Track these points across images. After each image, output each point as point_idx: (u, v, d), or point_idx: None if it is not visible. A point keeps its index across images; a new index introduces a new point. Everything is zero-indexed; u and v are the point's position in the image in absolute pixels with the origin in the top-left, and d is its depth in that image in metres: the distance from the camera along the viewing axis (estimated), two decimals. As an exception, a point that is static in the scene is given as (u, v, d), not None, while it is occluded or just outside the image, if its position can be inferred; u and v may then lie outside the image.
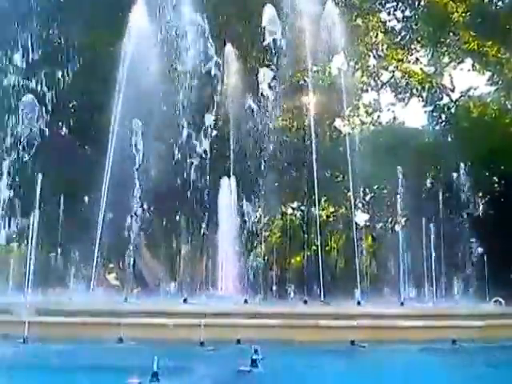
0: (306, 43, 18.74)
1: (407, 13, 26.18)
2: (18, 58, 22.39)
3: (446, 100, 26.35)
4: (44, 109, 20.67)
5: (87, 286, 16.24)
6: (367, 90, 27.19)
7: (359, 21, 24.95)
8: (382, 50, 26.07)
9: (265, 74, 18.78)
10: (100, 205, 16.54)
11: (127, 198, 18.59)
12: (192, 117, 19.91)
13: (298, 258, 25.73)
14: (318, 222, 19.63)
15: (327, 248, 24.07)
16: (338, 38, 18.55)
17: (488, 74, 25.20)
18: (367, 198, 25.11)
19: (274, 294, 18.79)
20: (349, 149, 18.25)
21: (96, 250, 16.16)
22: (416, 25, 25.52)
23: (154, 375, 6.70)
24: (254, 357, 7.98)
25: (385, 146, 22.20)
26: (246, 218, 19.79)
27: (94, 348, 9.65)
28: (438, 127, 26.43)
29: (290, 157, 20.47)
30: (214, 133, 20.34)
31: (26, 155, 18.55)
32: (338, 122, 23.88)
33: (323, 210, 24.73)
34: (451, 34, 24.83)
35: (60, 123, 23.25)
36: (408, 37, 26.04)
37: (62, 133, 23.37)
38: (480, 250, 20.20)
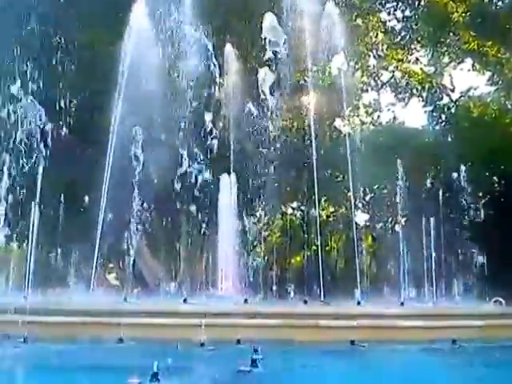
0: (306, 43, 18.75)
1: (407, 13, 26.17)
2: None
3: (446, 100, 26.34)
4: (44, 109, 20.68)
5: (87, 286, 16.23)
6: (367, 90, 27.18)
7: (359, 21, 24.94)
8: (382, 50, 26.05)
9: (266, 74, 18.73)
10: (100, 205, 16.54)
11: (127, 198, 18.59)
12: (192, 116, 19.90)
13: (298, 258, 25.72)
14: (318, 222, 19.62)
15: (327, 248, 24.06)
16: (338, 38, 18.55)
17: (488, 73, 25.19)
18: (367, 198, 25.09)
19: (274, 294, 18.79)
20: (349, 149, 18.24)
21: (96, 250, 16.17)
22: (416, 25, 25.51)
23: (153, 375, 6.71)
24: (253, 357, 7.99)
25: (385, 146, 22.20)
26: (246, 218, 19.83)
27: (94, 348, 9.66)
28: (438, 127, 26.41)
29: (290, 157, 20.44)
30: (214, 132, 20.33)
31: (26, 155, 18.53)
32: (338, 122, 23.87)
33: (323, 210, 24.72)
34: (451, 34, 24.82)
35: (60, 123, 23.23)
36: (408, 37, 26.03)
37: (62, 133, 23.35)
38: (480, 253, 20.20)
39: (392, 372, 8.35)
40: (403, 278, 18.90)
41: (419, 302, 16.37)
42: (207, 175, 19.88)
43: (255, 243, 21.24)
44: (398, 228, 22.17)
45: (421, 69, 26.63)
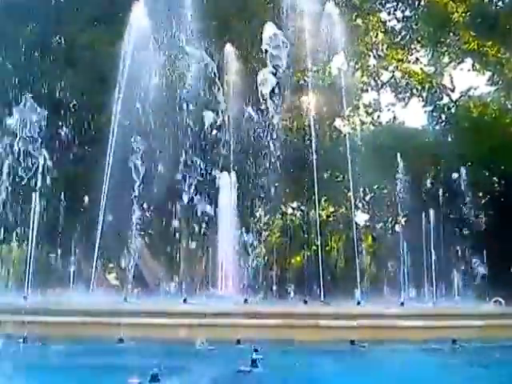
0: (306, 43, 18.75)
1: (407, 13, 26.17)
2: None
3: (446, 100, 26.32)
4: (44, 109, 20.66)
5: (87, 286, 16.23)
6: (367, 90, 27.18)
7: (359, 21, 24.95)
8: (382, 49, 26.06)
9: (264, 75, 18.68)
10: (100, 205, 16.54)
11: (127, 198, 18.59)
12: (192, 116, 19.90)
13: (298, 258, 25.70)
14: (318, 222, 19.61)
15: (327, 248, 24.04)
16: (338, 38, 18.55)
17: (488, 73, 25.17)
18: (367, 198, 25.07)
19: (274, 294, 18.77)
20: (349, 149, 18.24)
21: (96, 250, 16.17)
22: (416, 25, 25.51)
23: (153, 375, 6.71)
24: (253, 357, 7.99)
25: (385, 146, 22.19)
26: (246, 218, 19.81)
27: (94, 348, 9.65)
28: (438, 127, 26.40)
29: (290, 157, 20.44)
30: (214, 132, 20.33)
31: (26, 155, 18.52)
32: (338, 122, 23.87)
33: (323, 210, 24.70)
34: (451, 34, 24.82)
35: (60, 123, 23.23)
36: (408, 37, 26.03)
37: (62, 132, 23.35)
38: (480, 254, 20.16)
39: (392, 372, 8.35)
40: (403, 278, 18.89)
41: (419, 302, 16.36)
42: (207, 175, 19.87)
43: (255, 243, 21.22)
44: (397, 228, 22.17)
45: (421, 69, 26.62)
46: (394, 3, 26.17)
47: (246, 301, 13.60)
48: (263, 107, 19.28)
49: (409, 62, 26.69)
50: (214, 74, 19.84)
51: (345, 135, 21.28)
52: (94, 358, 8.86)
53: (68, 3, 24.40)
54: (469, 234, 20.47)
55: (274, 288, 19.36)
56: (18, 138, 18.35)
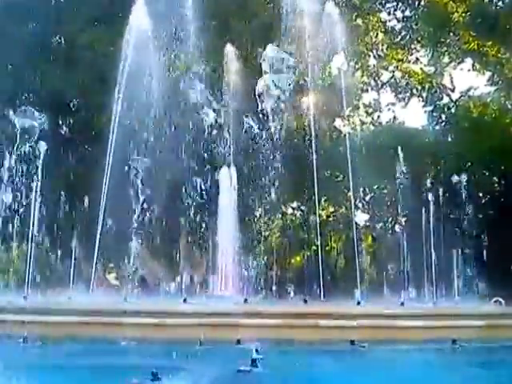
0: (306, 43, 18.75)
1: (407, 13, 26.16)
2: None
3: (446, 100, 26.31)
4: (44, 109, 20.66)
5: (87, 286, 16.23)
6: (367, 90, 27.17)
7: (359, 21, 24.95)
8: (382, 49, 26.06)
9: (265, 81, 18.63)
10: (100, 205, 16.54)
11: (127, 198, 18.60)
12: (191, 115, 19.91)
13: (298, 258, 25.69)
14: (318, 222, 19.61)
15: (327, 248, 24.02)
16: (338, 38, 18.55)
17: (488, 73, 25.16)
18: (367, 198, 25.08)
19: (274, 294, 18.77)
20: (349, 149, 18.23)
21: (96, 250, 16.16)
22: (416, 25, 25.50)
23: (154, 375, 6.71)
24: (254, 357, 7.99)
25: (385, 146, 22.18)
26: (246, 218, 19.81)
27: (94, 348, 9.65)
28: (438, 127, 26.39)
29: (290, 157, 20.44)
30: (214, 132, 20.33)
31: (26, 156, 18.53)
32: (338, 122, 23.86)
33: (323, 210, 24.69)
34: (451, 34, 24.81)
35: (60, 123, 23.24)
36: (408, 37, 26.02)
37: (62, 132, 23.36)
38: (480, 253, 20.17)
39: (392, 372, 8.35)
40: (403, 278, 18.90)
41: (419, 303, 16.36)
42: (207, 174, 19.89)
43: (255, 243, 21.22)
44: (397, 228, 22.16)
45: (421, 69, 26.61)
46: (394, 3, 26.17)
47: (245, 301, 13.61)
48: (263, 108, 19.28)
49: (409, 61, 26.67)
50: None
51: (345, 135, 21.27)
52: (94, 357, 8.86)
53: (68, 3, 24.42)
54: (469, 234, 20.48)
55: (274, 288, 19.36)
56: (18, 139, 18.34)
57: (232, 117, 19.26)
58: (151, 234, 20.96)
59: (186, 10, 19.53)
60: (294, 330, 10.95)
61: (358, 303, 13.84)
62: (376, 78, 26.90)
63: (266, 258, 21.47)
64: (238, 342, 10.04)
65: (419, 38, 25.70)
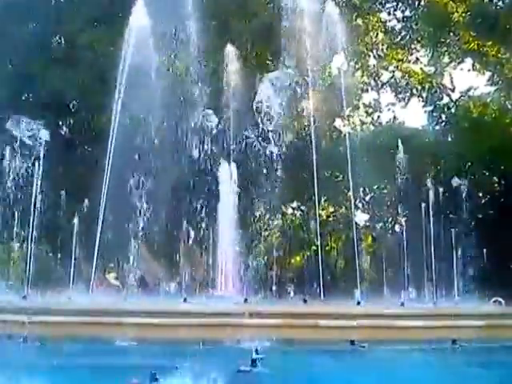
0: (306, 43, 18.74)
1: (407, 13, 26.18)
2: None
3: (446, 100, 26.31)
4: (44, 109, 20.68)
5: (87, 286, 16.22)
6: (367, 90, 27.18)
7: (359, 21, 24.96)
8: (382, 49, 26.06)
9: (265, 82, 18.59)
10: (100, 204, 16.54)
11: (127, 198, 18.59)
12: (192, 115, 19.91)
13: (298, 258, 25.70)
14: (318, 222, 19.60)
15: (327, 248, 24.03)
16: (338, 38, 18.55)
17: (488, 73, 25.16)
18: (367, 198, 25.08)
19: (274, 294, 18.77)
20: (349, 149, 18.23)
21: (96, 250, 16.16)
22: (416, 25, 25.51)
23: (153, 375, 6.71)
24: (254, 357, 7.99)
25: (385, 146, 22.18)
26: (246, 218, 19.81)
27: (94, 348, 9.65)
28: (438, 127, 26.38)
29: (290, 156, 20.45)
30: (214, 132, 20.33)
31: (27, 155, 18.52)
32: (338, 122, 23.86)
33: (323, 209, 24.70)
34: (451, 33, 24.82)
35: (60, 123, 23.25)
36: (408, 37, 26.03)
37: (62, 132, 23.37)
38: (480, 253, 20.16)
39: (392, 372, 8.34)
40: (403, 278, 18.89)
41: (419, 303, 16.36)
42: (208, 174, 19.88)
43: (255, 243, 21.22)
44: (397, 228, 22.14)
45: (421, 69, 26.62)
46: (394, 3, 26.18)
47: (246, 300, 13.60)
48: (263, 108, 19.28)
49: (409, 61, 26.68)
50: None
51: (345, 135, 21.26)
52: (94, 357, 8.85)
53: (68, 3, 24.43)
54: (469, 234, 20.46)
55: (274, 288, 19.35)
56: (18, 139, 18.33)
57: (232, 116, 19.25)
58: (151, 234, 20.97)
59: (185, 10, 19.52)
60: (294, 330, 10.95)
61: (358, 303, 13.84)
62: (376, 78, 26.90)
63: (266, 257, 21.48)
64: (238, 342, 10.03)
65: (419, 38, 25.71)
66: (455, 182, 20.04)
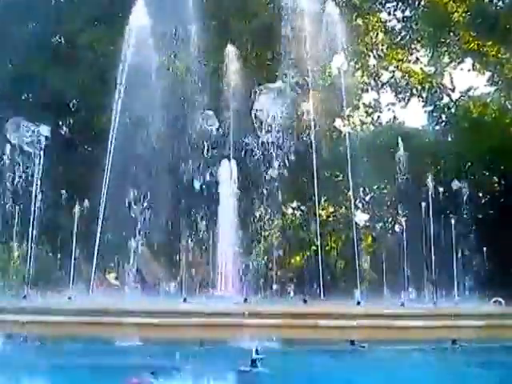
0: (306, 43, 18.74)
1: (407, 13, 26.20)
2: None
3: (446, 100, 26.33)
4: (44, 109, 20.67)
5: (87, 286, 16.22)
6: (367, 90, 27.20)
7: (359, 21, 24.98)
8: (382, 49, 26.08)
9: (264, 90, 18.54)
10: (100, 205, 16.54)
11: (127, 198, 18.59)
12: (192, 115, 19.91)
13: (298, 258, 25.70)
14: (318, 222, 19.60)
15: (327, 248, 24.03)
16: (338, 38, 18.55)
17: (488, 74, 25.18)
18: (367, 198, 25.08)
19: (274, 294, 18.77)
20: (349, 149, 18.23)
21: (96, 250, 16.15)
22: (416, 25, 25.53)
23: (153, 375, 6.71)
24: (254, 357, 7.98)
25: (385, 146, 22.17)
26: (246, 218, 19.79)
27: (94, 348, 9.65)
28: (438, 127, 26.40)
29: (290, 157, 20.45)
30: (215, 132, 20.32)
31: (27, 156, 18.51)
32: (338, 122, 23.87)
33: (323, 209, 24.70)
34: (451, 33, 24.84)
35: (60, 123, 23.24)
36: (408, 37, 26.05)
37: (62, 132, 23.37)
38: (480, 253, 20.14)
39: (392, 372, 8.34)
40: (403, 279, 18.87)
41: (420, 303, 16.35)
42: (208, 174, 19.87)
43: (255, 243, 21.21)
44: (397, 228, 22.13)
45: (421, 69, 26.64)
46: (394, 3, 26.19)
47: (245, 300, 13.60)
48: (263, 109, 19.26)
49: (409, 61, 26.70)
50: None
51: (345, 135, 21.26)
52: (94, 357, 8.85)
53: (68, 3, 24.45)
54: (469, 234, 20.45)
55: (274, 288, 19.34)
56: (18, 140, 18.31)
57: (232, 117, 19.24)
58: (151, 234, 20.96)
59: (186, 10, 19.52)
60: (294, 330, 10.94)
61: (358, 303, 13.83)
62: (376, 78, 26.92)
63: (265, 257, 21.47)
64: (239, 342, 10.02)
65: (419, 38, 25.73)
66: (455, 185, 19.99)
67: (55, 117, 21.69)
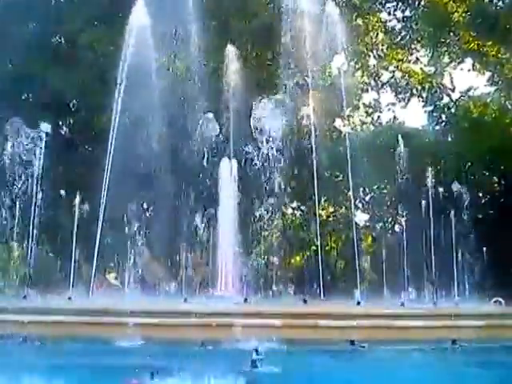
0: (307, 43, 18.74)
1: (407, 13, 26.21)
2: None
3: (446, 100, 26.34)
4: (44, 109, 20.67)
5: (87, 287, 16.22)
6: (367, 90, 27.20)
7: (359, 21, 24.98)
8: (382, 49, 26.08)
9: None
10: (100, 205, 16.54)
11: (127, 198, 18.59)
12: (192, 115, 19.90)
13: (298, 258, 25.70)
14: (318, 222, 19.60)
15: (327, 248, 24.03)
16: (338, 38, 18.55)
17: (488, 74, 25.19)
18: (367, 198, 25.08)
19: (274, 294, 18.77)
20: (349, 149, 18.23)
21: (96, 250, 16.15)
22: (416, 25, 25.54)
23: (153, 375, 6.71)
24: (254, 357, 7.98)
25: (385, 146, 22.18)
26: (246, 218, 19.79)
27: (94, 348, 9.65)
28: (438, 127, 26.40)
29: (290, 156, 20.45)
30: (215, 132, 20.32)
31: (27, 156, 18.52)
32: (338, 122, 23.88)
33: (323, 209, 24.70)
34: (451, 33, 24.84)
35: (60, 123, 23.25)
36: (408, 37, 26.06)
37: (63, 133, 23.38)
38: (480, 253, 20.15)
39: (392, 372, 8.34)
40: (403, 279, 18.88)
41: (420, 303, 16.35)
42: (208, 174, 19.86)
43: (255, 243, 21.20)
44: (397, 228, 22.14)
45: (421, 69, 26.64)
46: (394, 3, 26.20)
47: (245, 300, 13.60)
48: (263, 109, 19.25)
49: (409, 61, 26.71)
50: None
51: (345, 135, 21.27)
52: (94, 357, 8.85)
53: (68, 3, 24.45)
54: (469, 234, 20.46)
55: (274, 288, 19.35)
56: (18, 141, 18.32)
57: (232, 116, 19.23)
58: (151, 234, 20.96)
59: (186, 10, 19.52)
60: (294, 330, 10.94)
61: (358, 303, 13.84)
62: (376, 78, 26.93)
63: (265, 257, 21.47)
64: (239, 342, 10.02)
65: (419, 38, 25.74)
66: (455, 187, 19.98)
67: (55, 117, 21.69)
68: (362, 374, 8.20)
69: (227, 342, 9.99)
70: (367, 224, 24.99)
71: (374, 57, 26.25)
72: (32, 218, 16.95)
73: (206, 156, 20.00)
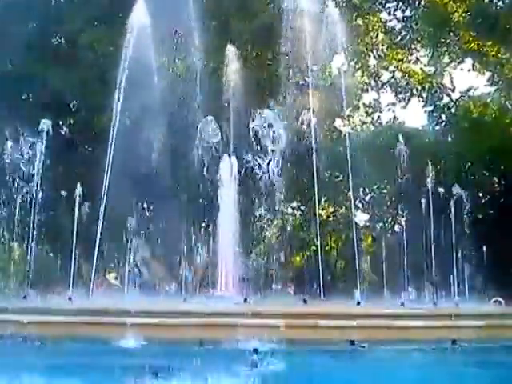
0: (307, 43, 18.75)
1: (407, 13, 26.21)
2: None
3: (446, 100, 26.36)
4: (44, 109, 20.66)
5: (87, 287, 16.22)
6: (367, 90, 27.21)
7: (359, 21, 24.98)
8: (382, 49, 26.09)
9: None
10: (100, 205, 16.55)
11: (127, 198, 18.60)
12: (192, 116, 19.91)
13: (298, 258, 25.72)
14: (317, 222, 19.61)
15: (327, 248, 24.04)
16: (339, 38, 18.56)
17: (488, 74, 25.20)
18: (367, 198, 25.09)
19: (274, 294, 18.77)
20: (349, 149, 18.23)
21: (96, 250, 16.16)
22: (416, 25, 25.54)
23: (154, 375, 6.71)
24: (254, 357, 7.98)
25: (385, 146, 22.18)
26: (247, 218, 19.81)
27: (94, 348, 9.64)
28: (438, 127, 26.41)
29: (290, 156, 20.46)
30: (215, 132, 20.32)
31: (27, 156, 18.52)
32: (338, 122, 23.89)
33: (323, 209, 24.71)
34: (451, 33, 24.84)
35: (60, 123, 23.24)
36: (408, 37, 26.07)
37: (63, 133, 23.38)
38: (480, 253, 20.16)
39: (392, 372, 8.34)
40: (403, 279, 18.89)
41: (420, 303, 16.35)
42: (208, 174, 19.87)
43: (255, 243, 21.22)
44: (397, 228, 22.15)
45: (421, 69, 26.65)
46: (394, 3, 26.20)
47: (245, 300, 13.60)
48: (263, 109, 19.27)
49: (409, 61, 26.72)
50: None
51: (345, 135, 21.27)
52: (94, 357, 8.85)
53: (68, 3, 24.45)
54: (469, 234, 20.48)
55: (274, 288, 19.36)
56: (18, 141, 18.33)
57: (232, 116, 19.24)
58: (151, 234, 20.99)
59: (186, 10, 19.52)
60: (294, 330, 10.94)
61: (358, 303, 13.83)
62: (376, 78, 26.94)
63: (265, 257, 21.48)
64: (239, 342, 10.02)
65: (419, 38, 25.74)
66: (455, 189, 19.97)
67: (55, 117, 21.65)
68: (362, 374, 8.19)
69: (227, 341, 9.98)
70: (367, 224, 25.01)
71: (374, 57, 26.26)
72: (32, 218, 16.95)
73: (205, 156, 20.02)
